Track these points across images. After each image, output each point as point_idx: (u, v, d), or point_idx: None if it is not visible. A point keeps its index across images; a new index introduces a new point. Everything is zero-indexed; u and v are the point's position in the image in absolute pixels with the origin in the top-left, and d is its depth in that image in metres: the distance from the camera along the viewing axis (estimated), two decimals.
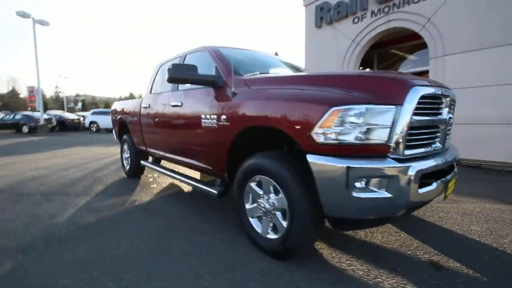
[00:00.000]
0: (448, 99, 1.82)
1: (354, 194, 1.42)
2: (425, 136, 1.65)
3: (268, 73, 2.64)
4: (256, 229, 1.96)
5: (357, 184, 1.42)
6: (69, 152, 7.51)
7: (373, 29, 6.77)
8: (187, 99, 2.69)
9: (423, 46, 6.16)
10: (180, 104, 2.75)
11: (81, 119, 18.90)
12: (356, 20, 7.06)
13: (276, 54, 3.53)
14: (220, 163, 2.26)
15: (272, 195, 1.82)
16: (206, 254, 1.89)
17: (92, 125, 17.39)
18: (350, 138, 1.45)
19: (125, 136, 4.28)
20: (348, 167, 1.40)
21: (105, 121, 15.80)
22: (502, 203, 2.98)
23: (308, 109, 1.55)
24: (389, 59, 8.17)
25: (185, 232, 2.25)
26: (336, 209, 1.51)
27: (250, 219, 2.00)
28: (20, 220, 2.47)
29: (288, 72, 2.92)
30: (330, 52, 7.73)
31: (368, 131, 1.44)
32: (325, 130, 1.48)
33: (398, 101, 1.46)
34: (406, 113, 1.46)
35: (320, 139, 1.49)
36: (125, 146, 4.33)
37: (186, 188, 3.63)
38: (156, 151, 3.46)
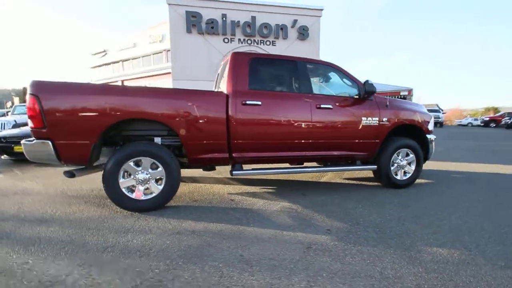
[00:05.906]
0: None
1: (433, 145, 4.07)
2: None
3: None
4: (397, 177, 3.83)
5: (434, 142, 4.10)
6: None
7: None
8: (338, 104, 3.41)
9: None
10: (331, 107, 3.42)
11: None
12: (226, 40, 8.72)
13: None
14: (375, 148, 3.63)
15: (406, 157, 3.85)
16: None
17: None
18: (431, 126, 4.06)
19: (138, 147, 2.61)
20: (434, 138, 4.03)
21: None
22: None
23: (427, 117, 3.93)
24: None
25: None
26: (430, 154, 4.03)
27: (393, 175, 3.81)
28: None
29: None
30: (202, 60, 8.63)
31: (431, 123, 4.14)
32: (429, 124, 3.96)
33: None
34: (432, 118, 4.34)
35: (429, 128, 3.94)
36: (132, 163, 2.71)
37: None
38: (263, 154, 3.21)
